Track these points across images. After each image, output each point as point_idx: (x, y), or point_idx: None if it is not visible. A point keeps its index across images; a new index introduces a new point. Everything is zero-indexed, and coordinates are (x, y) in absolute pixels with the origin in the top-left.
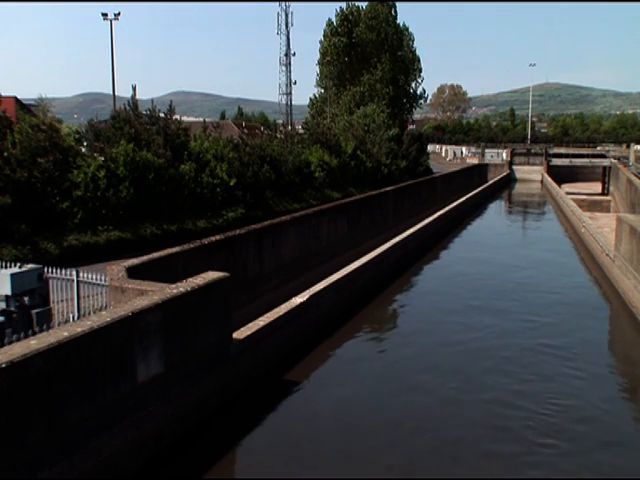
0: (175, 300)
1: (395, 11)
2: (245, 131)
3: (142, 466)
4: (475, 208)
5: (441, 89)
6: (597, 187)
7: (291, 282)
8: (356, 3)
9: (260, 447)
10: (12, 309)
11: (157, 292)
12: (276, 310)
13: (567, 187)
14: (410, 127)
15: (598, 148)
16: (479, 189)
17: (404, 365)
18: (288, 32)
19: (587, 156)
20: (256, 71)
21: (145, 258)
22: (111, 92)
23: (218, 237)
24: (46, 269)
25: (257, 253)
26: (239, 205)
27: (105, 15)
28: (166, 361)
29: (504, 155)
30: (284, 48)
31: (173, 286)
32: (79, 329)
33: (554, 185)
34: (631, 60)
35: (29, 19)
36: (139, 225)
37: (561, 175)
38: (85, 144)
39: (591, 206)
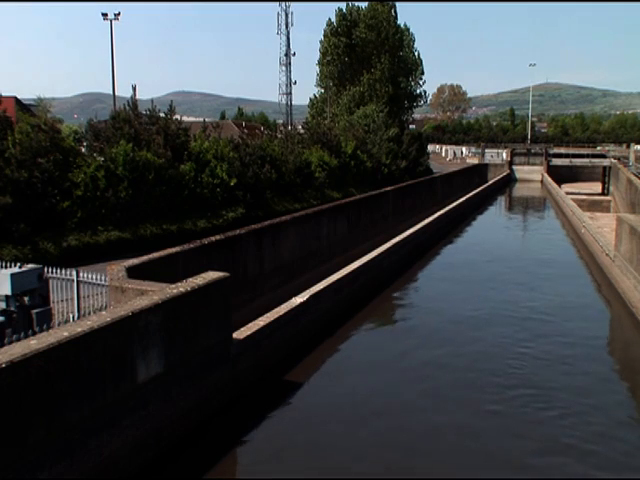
0: (175, 300)
1: (395, 11)
2: (245, 131)
3: (142, 466)
4: (475, 208)
5: (441, 89)
6: (597, 187)
7: (291, 282)
8: (356, 3)
9: (260, 447)
10: (12, 309)
11: (157, 292)
12: (276, 310)
13: (567, 187)
14: (410, 127)
15: (598, 148)
16: (479, 189)
17: (404, 364)
18: (288, 32)
19: (587, 156)
20: (256, 71)
21: (145, 258)
22: (111, 92)
23: (218, 237)
24: (46, 269)
25: (257, 253)
26: (239, 205)
27: (105, 15)
28: (166, 361)
29: (504, 155)
30: (284, 48)
31: (173, 286)
32: (79, 329)
33: (554, 185)
34: (631, 60)
35: (29, 19)
36: (139, 225)
37: (561, 175)
38: (85, 144)
39: (591, 206)
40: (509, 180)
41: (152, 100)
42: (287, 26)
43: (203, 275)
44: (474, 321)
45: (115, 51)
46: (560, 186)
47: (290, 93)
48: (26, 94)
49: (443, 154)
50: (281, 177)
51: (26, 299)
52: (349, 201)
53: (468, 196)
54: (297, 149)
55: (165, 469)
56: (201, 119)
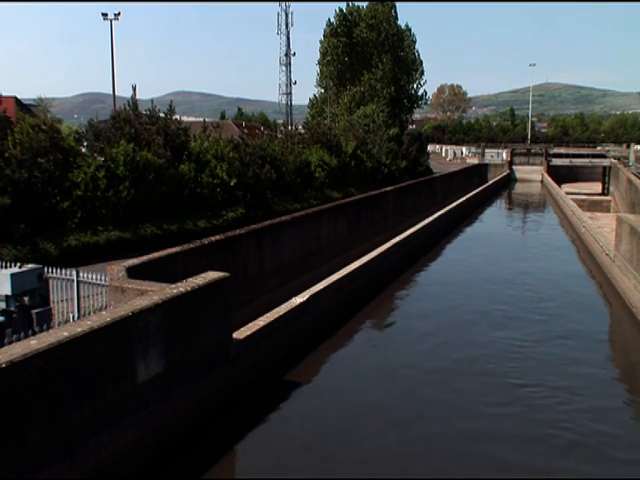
0: (175, 300)
1: (395, 11)
2: (245, 131)
3: (142, 466)
4: (475, 208)
5: (441, 89)
6: (597, 187)
7: (291, 282)
8: (356, 3)
9: (260, 447)
10: (12, 309)
11: (157, 292)
12: (276, 310)
13: (567, 187)
14: (410, 127)
15: (598, 148)
16: (479, 189)
17: (404, 364)
18: (288, 32)
19: (587, 156)
20: (256, 71)
21: (145, 258)
22: (111, 92)
23: (218, 237)
24: (46, 269)
25: (257, 253)
26: (239, 205)
27: (105, 15)
28: (166, 361)
29: (504, 155)
30: (284, 48)
31: (173, 286)
32: (79, 329)
33: (554, 185)
34: (632, 60)
35: (29, 19)
36: (139, 225)
37: (561, 175)
38: (85, 144)
39: (591, 206)
40: (509, 180)
41: (152, 100)
42: (287, 26)
43: (203, 275)
44: (474, 319)
45: (115, 51)
46: (560, 186)
47: (290, 93)
48: (26, 94)
49: (443, 154)
50: (281, 177)
51: (26, 299)
52: (349, 201)
53: (468, 196)
54: (297, 149)
55: (165, 469)
56: (201, 119)
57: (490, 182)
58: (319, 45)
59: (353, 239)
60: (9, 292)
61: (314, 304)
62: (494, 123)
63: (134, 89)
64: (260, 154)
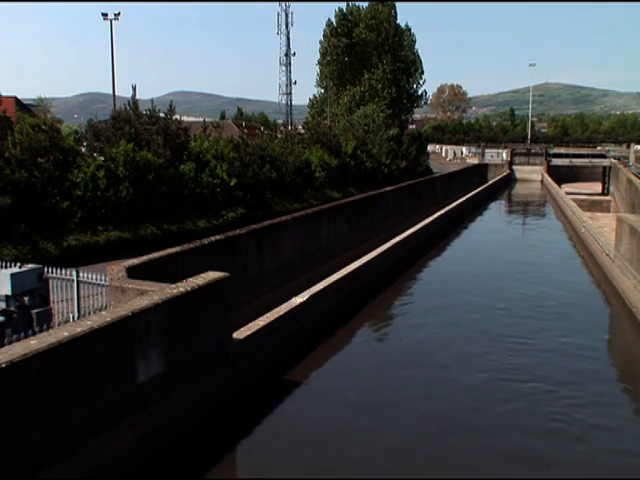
0: (175, 300)
1: (395, 11)
2: (245, 131)
3: (142, 466)
4: (475, 208)
5: (441, 89)
6: (597, 187)
7: (291, 282)
8: (356, 3)
9: (260, 447)
10: (12, 309)
11: (157, 292)
12: (276, 310)
13: (567, 187)
14: (410, 127)
15: (598, 148)
16: (479, 189)
17: (403, 364)
18: (288, 32)
19: (587, 156)
20: (256, 71)
21: (145, 258)
22: (111, 92)
23: (218, 237)
24: (46, 269)
25: (257, 253)
26: (239, 205)
27: (105, 15)
28: (166, 361)
29: (504, 155)
30: (284, 48)
31: (173, 286)
32: (79, 329)
33: (554, 185)
34: (632, 60)
35: (29, 19)
36: (139, 225)
37: (561, 175)
38: (85, 144)
39: (591, 206)
40: (509, 180)
41: (152, 100)
42: (287, 26)
43: (203, 275)
44: (474, 317)
45: (115, 51)
46: (560, 186)
47: (290, 93)
48: (26, 94)
49: (443, 154)
50: (281, 177)
51: (26, 299)
52: (349, 201)
53: (468, 196)
54: (297, 149)
55: (165, 469)
56: (201, 119)
57: (490, 182)
58: (319, 45)
59: (353, 239)
60: (9, 292)
61: (314, 304)
62: (494, 123)
63: (134, 89)
64: (260, 154)
